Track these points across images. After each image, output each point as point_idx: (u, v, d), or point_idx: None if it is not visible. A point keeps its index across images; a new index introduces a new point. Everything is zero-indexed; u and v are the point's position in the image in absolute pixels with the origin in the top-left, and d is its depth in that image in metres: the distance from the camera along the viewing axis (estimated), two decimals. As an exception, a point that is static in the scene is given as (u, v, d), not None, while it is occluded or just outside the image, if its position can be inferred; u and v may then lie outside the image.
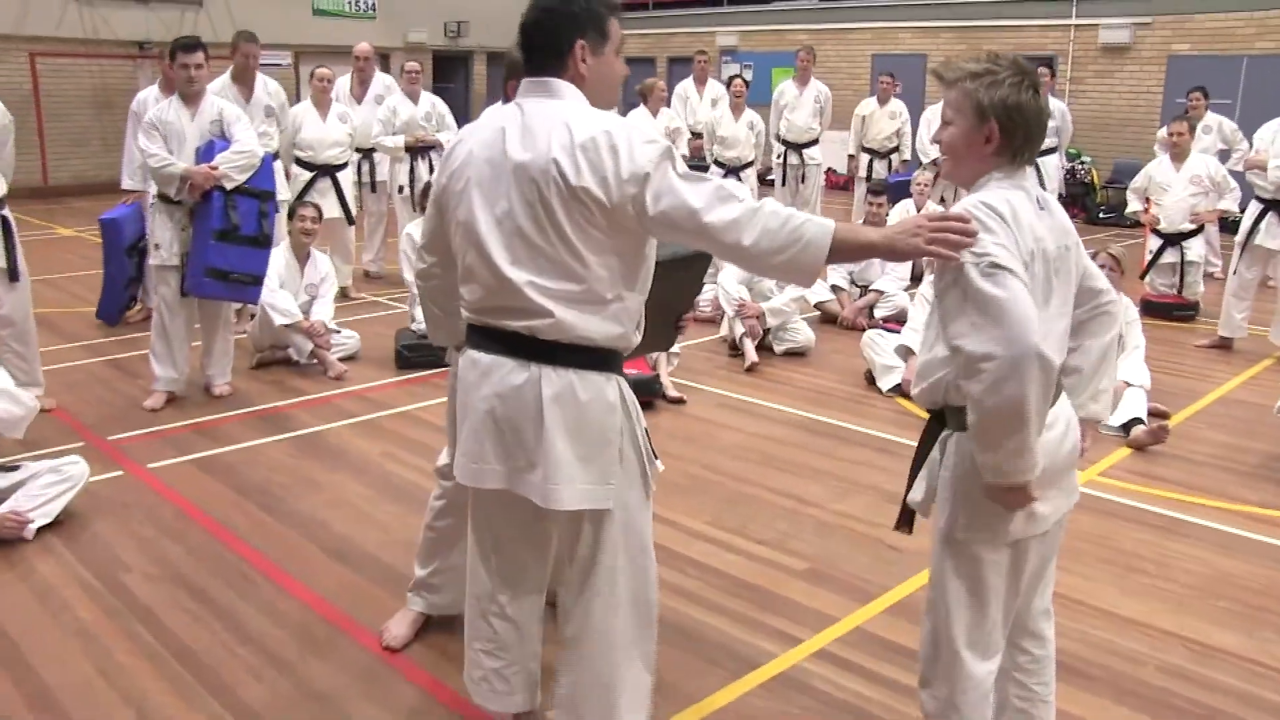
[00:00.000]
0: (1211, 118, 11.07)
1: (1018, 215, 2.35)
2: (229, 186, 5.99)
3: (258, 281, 6.30)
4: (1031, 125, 2.44)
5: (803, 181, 11.63)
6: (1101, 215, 15.32)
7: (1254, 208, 8.04)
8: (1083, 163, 16.01)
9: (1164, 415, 6.30)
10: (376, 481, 5.20)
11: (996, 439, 2.32)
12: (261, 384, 6.84)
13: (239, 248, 6.08)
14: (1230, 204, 8.82)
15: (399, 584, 4.08)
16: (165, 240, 6.12)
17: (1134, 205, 9.39)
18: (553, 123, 2.52)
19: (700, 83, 11.72)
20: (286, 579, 4.17)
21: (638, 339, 2.71)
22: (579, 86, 2.63)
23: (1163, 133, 10.01)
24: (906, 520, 2.82)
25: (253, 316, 7.36)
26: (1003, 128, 2.42)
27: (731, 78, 10.89)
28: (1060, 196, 14.15)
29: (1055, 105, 10.76)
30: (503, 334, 2.61)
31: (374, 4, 20.08)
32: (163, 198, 6.10)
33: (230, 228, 6.03)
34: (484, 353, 2.65)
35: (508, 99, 3.04)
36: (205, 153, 6.02)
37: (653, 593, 2.80)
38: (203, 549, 4.42)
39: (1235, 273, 8.18)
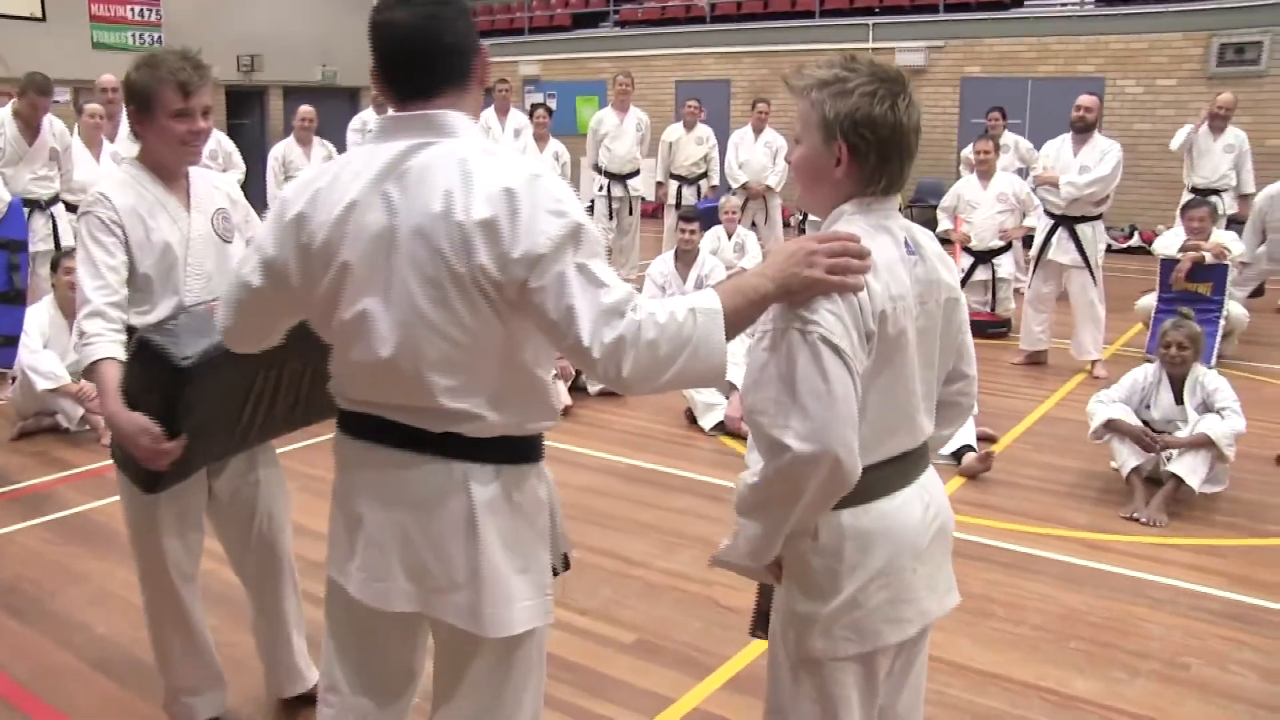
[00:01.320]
0: (1009, 137, 11.29)
1: (873, 267, 1.94)
2: (-34, 240, 5.30)
3: (10, 342, 5.66)
4: (888, 144, 1.99)
5: (629, 213, 11.34)
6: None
7: (1045, 223, 8.13)
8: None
9: (991, 439, 6.19)
10: (149, 569, 4.58)
11: (748, 515, 2.04)
12: (22, 457, 6.09)
13: (-17, 307, 5.39)
14: (1034, 220, 8.90)
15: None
16: (-107, 302, 5.39)
17: (944, 224, 9.42)
18: (450, 176, 1.95)
19: (502, 113, 11.30)
20: (33, 704, 3.54)
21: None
22: (473, 100, 2.11)
23: (968, 152, 10.11)
24: (763, 623, 2.33)
25: (14, 380, 6.58)
26: (852, 147, 1.99)
27: (534, 107, 10.54)
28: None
29: None
30: (411, 431, 2.08)
31: (160, 37, 19.00)
32: (-111, 254, 5.37)
33: (-29, 286, 5.34)
34: (383, 445, 2.11)
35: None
36: (-63, 202, 5.33)
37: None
38: (-69, 673, 3.75)
39: (1030, 287, 8.31)
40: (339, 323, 2.07)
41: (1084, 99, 7.94)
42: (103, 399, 2.77)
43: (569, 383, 7.09)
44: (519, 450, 2.13)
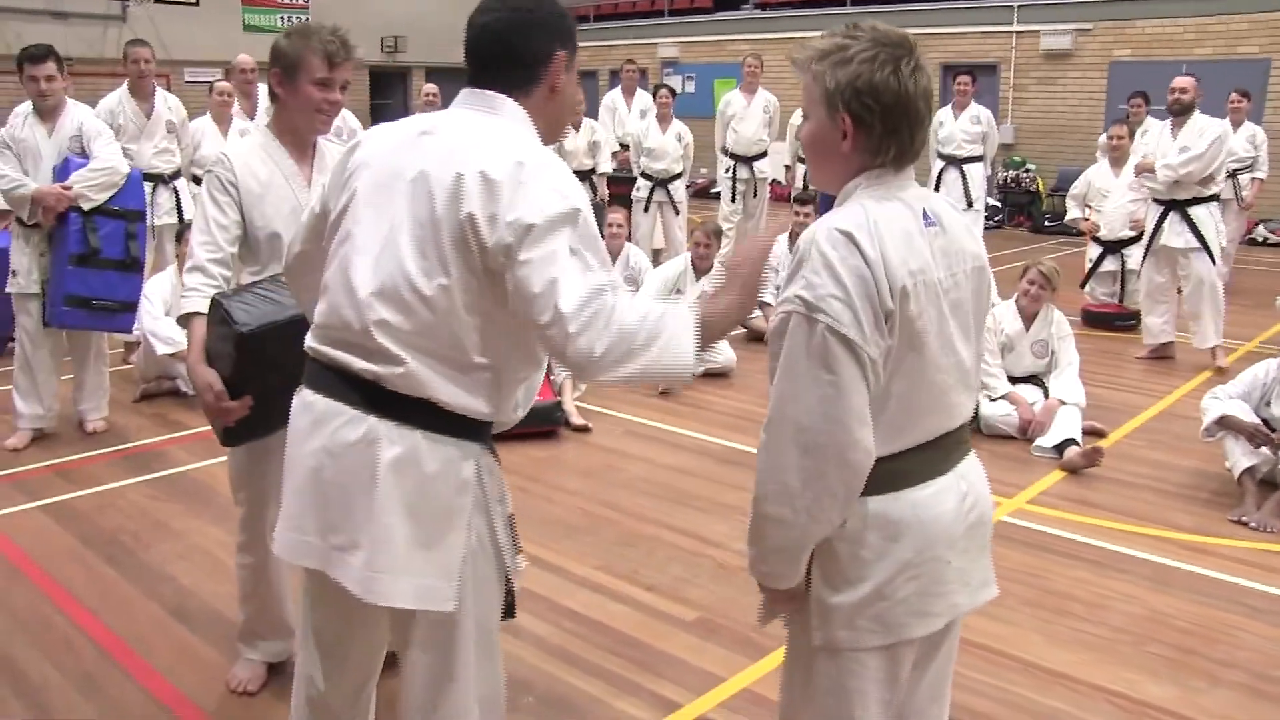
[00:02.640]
0: (1151, 123, 10.79)
1: (884, 242, 1.84)
2: (87, 207, 5.51)
3: (127, 308, 5.81)
4: (893, 112, 1.89)
5: (754, 195, 11.26)
6: (1048, 224, 15.07)
7: (1154, 210, 7.75)
8: (1027, 171, 15.77)
9: (1100, 434, 5.96)
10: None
11: (760, 531, 1.95)
12: (142, 418, 6.35)
13: (102, 273, 5.59)
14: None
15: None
16: (23, 267, 5.64)
17: (1073, 212, 9.11)
18: (473, 137, 2.09)
19: (629, 94, 11.31)
20: (116, 645, 3.70)
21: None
22: (546, 104, 2.21)
23: (1103, 138, 9.73)
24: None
25: (139, 345, 6.87)
26: (855, 118, 1.90)
27: (657, 87, 10.50)
28: (997, 206, 13.94)
29: (981, 112, 10.47)
30: (343, 374, 2.13)
31: (308, 19, 19.58)
32: (20, 221, 5.63)
33: (90, 251, 5.54)
34: (320, 394, 2.17)
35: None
36: (61, 171, 5.55)
37: (502, 699, 2.33)
38: (28, 612, 3.93)
39: (1143, 278, 7.99)
40: (330, 247, 2.21)
41: (1179, 80, 7.59)
42: (188, 350, 2.99)
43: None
44: (448, 422, 2.10)
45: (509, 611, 2.27)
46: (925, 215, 1.96)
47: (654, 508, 4.96)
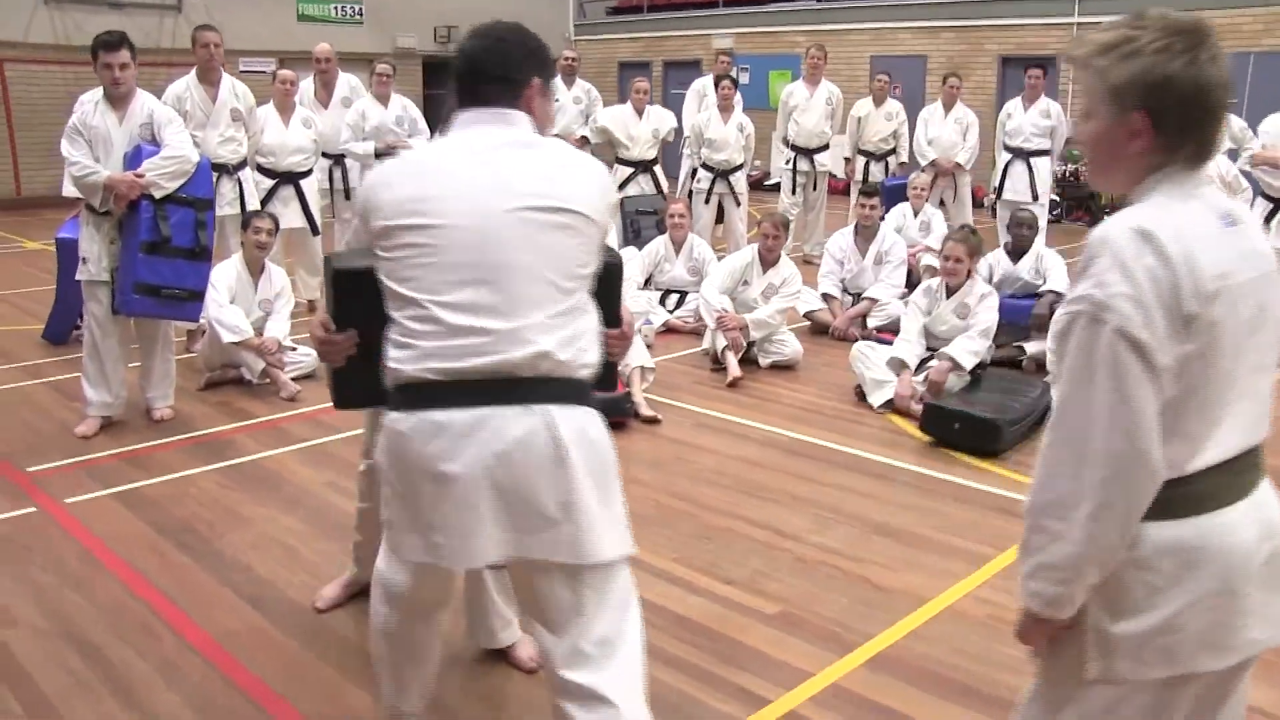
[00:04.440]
0: (1231, 120, 10.57)
1: (1186, 241, 1.73)
2: (158, 195, 5.52)
3: (195, 297, 5.82)
4: (1191, 106, 1.77)
5: (814, 188, 11.15)
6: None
7: (1261, 206, 7.52)
8: (1086, 166, 15.51)
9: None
10: (312, 515, 4.71)
11: (1031, 543, 1.84)
12: (207, 406, 6.36)
13: (172, 261, 5.61)
14: (1242, 205, 8.30)
15: (319, 637, 3.64)
16: (93, 254, 5.65)
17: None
18: (541, 152, 2.44)
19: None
20: (193, 631, 3.69)
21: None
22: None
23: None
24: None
25: (203, 334, 6.89)
26: (1152, 115, 1.78)
27: (719, 78, 10.40)
28: (1056, 201, 13.72)
29: (1051, 106, 10.29)
30: (482, 383, 2.29)
31: (361, 9, 19.65)
32: (90, 208, 5.64)
33: (160, 240, 5.55)
34: (453, 409, 2.29)
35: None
36: (133, 159, 5.55)
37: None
38: (106, 598, 3.93)
39: None
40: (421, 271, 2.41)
41: None
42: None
43: (740, 354, 6.99)
44: (585, 393, 2.40)
45: None
46: (1224, 215, 1.84)
47: (727, 500, 4.89)
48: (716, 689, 3.32)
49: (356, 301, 2.65)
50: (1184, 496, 1.80)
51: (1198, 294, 1.71)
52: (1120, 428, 1.70)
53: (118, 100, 5.65)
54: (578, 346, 2.35)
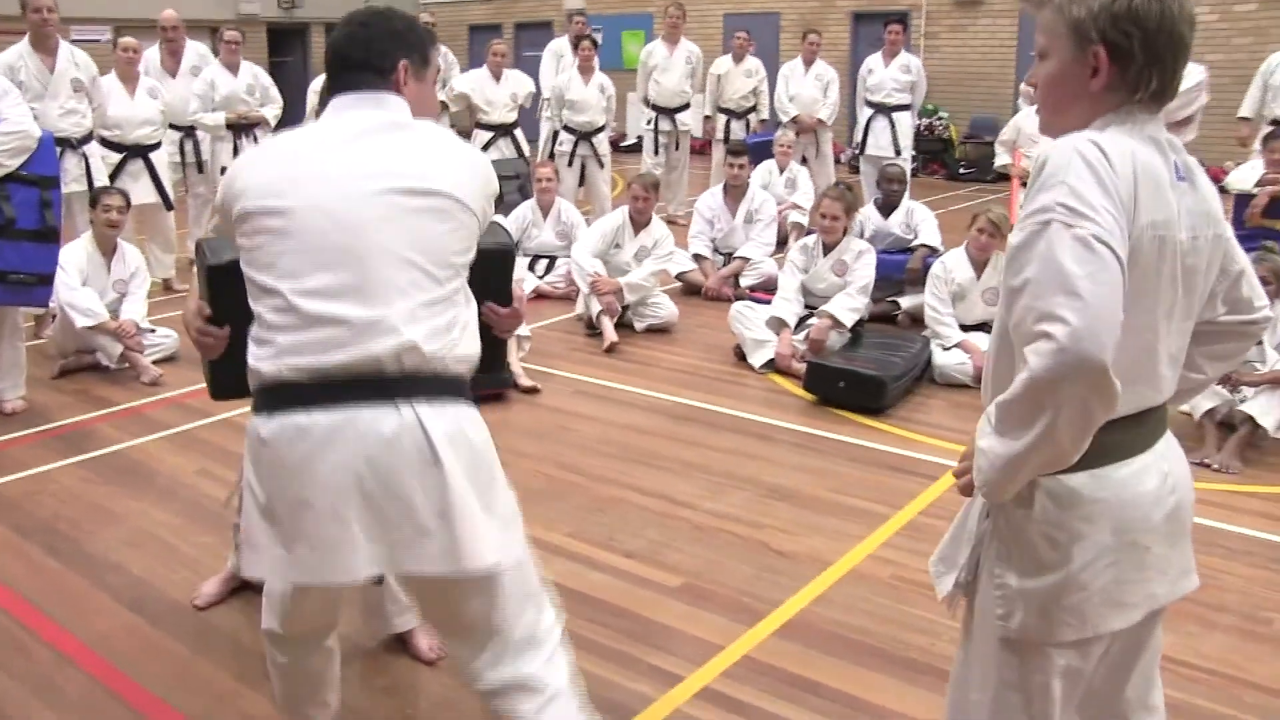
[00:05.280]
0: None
1: (1137, 175, 1.67)
2: (-1, 174, 5.17)
3: (45, 281, 5.47)
4: (1157, 41, 1.71)
5: (676, 148, 11.09)
6: (962, 171, 15.14)
7: None
8: (940, 119, 15.82)
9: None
10: (188, 507, 4.49)
11: (996, 434, 1.70)
12: (63, 395, 6.01)
13: (16, 244, 5.24)
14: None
15: (204, 638, 3.46)
16: (-71, 238, 5.26)
17: (1003, 158, 9.08)
18: (413, 134, 2.31)
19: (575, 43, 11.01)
20: (68, 641, 3.47)
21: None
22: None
23: (1026, 85, 9.74)
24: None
25: (54, 319, 6.51)
26: (1112, 48, 1.72)
27: (579, 39, 10.26)
28: (914, 156, 14.01)
29: (911, 61, 10.43)
30: (346, 382, 2.13)
31: (198, -28, 18.82)
32: (-78, 189, 5.24)
33: (4, 221, 5.20)
34: (319, 411, 2.12)
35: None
36: (-35, 135, 5.18)
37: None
38: (-34, 611, 3.68)
39: None
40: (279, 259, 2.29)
41: None
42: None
43: (615, 319, 6.91)
44: (460, 388, 2.29)
45: None
46: (1177, 167, 1.77)
47: (616, 469, 4.83)
48: (628, 669, 3.26)
49: (232, 295, 2.51)
50: (1093, 445, 1.70)
51: (1130, 235, 1.65)
52: (1096, 336, 1.54)
53: (-55, 72, 5.26)
54: (450, 339, 2.21)
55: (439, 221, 2.21)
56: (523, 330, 6.13)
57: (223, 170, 8.62)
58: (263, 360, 2.17)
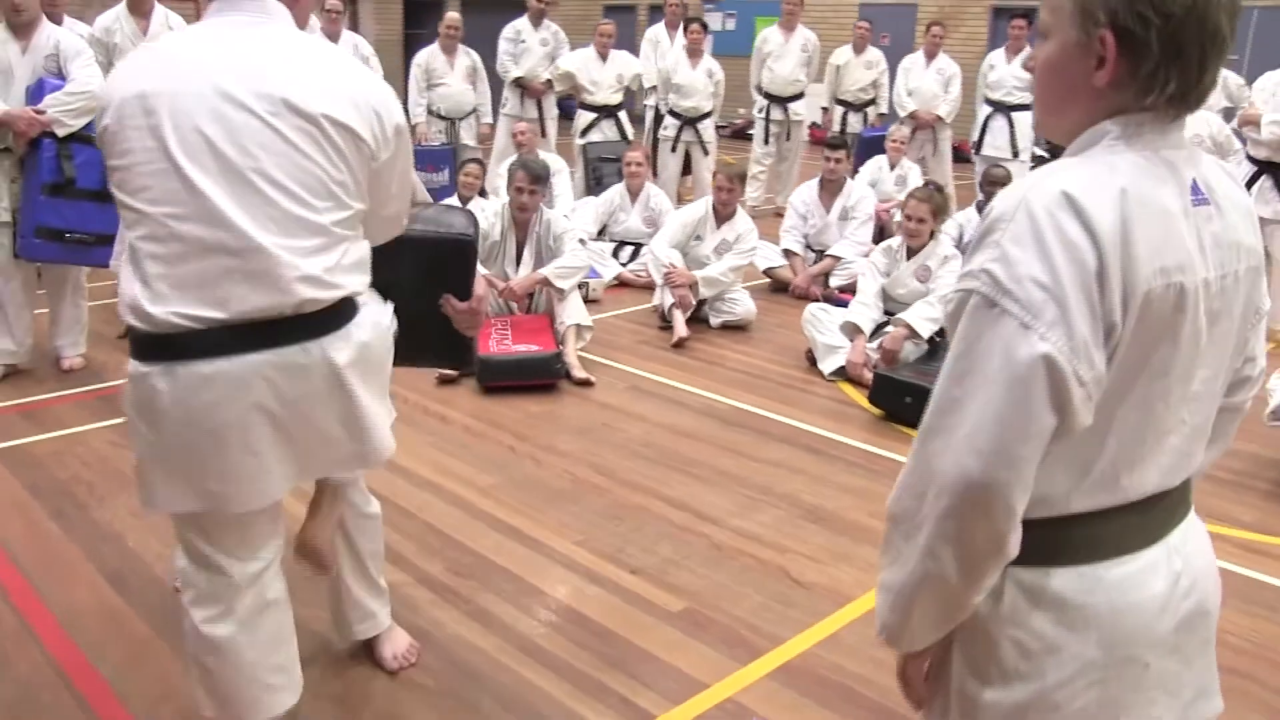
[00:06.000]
0: (1269, 76, 10.06)
1: (1129, 220, 1.29)
2: (61, 133, 5.15)
3: (104, 241, 5.45)
4: (1183, 28, 1.31)
5: (787, 138, 10.73)
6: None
7: (1245, 170, 7.10)
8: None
9: None
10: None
11: (882, 553, 1.47)
12: (123, 355, 5.97)
13: (76, 203, 5.24)
14: (1234, 166, 7.89)
15: (171, 622, 3.28)
16: (-9, 193, 5.28)
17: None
18: (295, 50, 2.20)
19: (673, 28, 10.73)
20: (39, 613, 3.37)
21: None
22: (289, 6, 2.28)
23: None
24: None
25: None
26: (1124, 38, 1.33)
27: (688, 21, 9.94)
28: (1044, 156, 13.33)
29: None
30: (245, 326, 2.12)
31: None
32: (-11, 145, 5.27)
33: (64, 181, 5.20)
34: (222, 359, 2.11)
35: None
36: (35, 93, 5.18)
37: None
38: (-47, 569, 3.62)
39: None
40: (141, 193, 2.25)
41: None
42: None
43: (688, 313, 6.62)
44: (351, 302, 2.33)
45: None
46: (1195, 188, 1.39)
47: (649, 474, 4.56)
48: (596, 699, 3.00)
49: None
50: (1069, 539, 1.41)
51: (1129, 296, 1.29)
52: (1003, 448, 1.28)
53: (20, 29, 5.26)
54: (341, 268, 2.20)
55: (318, 147, 2.12)
56: (584, 320, 5.91)
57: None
58: (148, 301, 2.08)
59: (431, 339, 2.78)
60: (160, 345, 2.11)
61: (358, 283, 2.28)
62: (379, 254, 2.41)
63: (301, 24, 2.37)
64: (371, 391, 2.31)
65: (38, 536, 3.87)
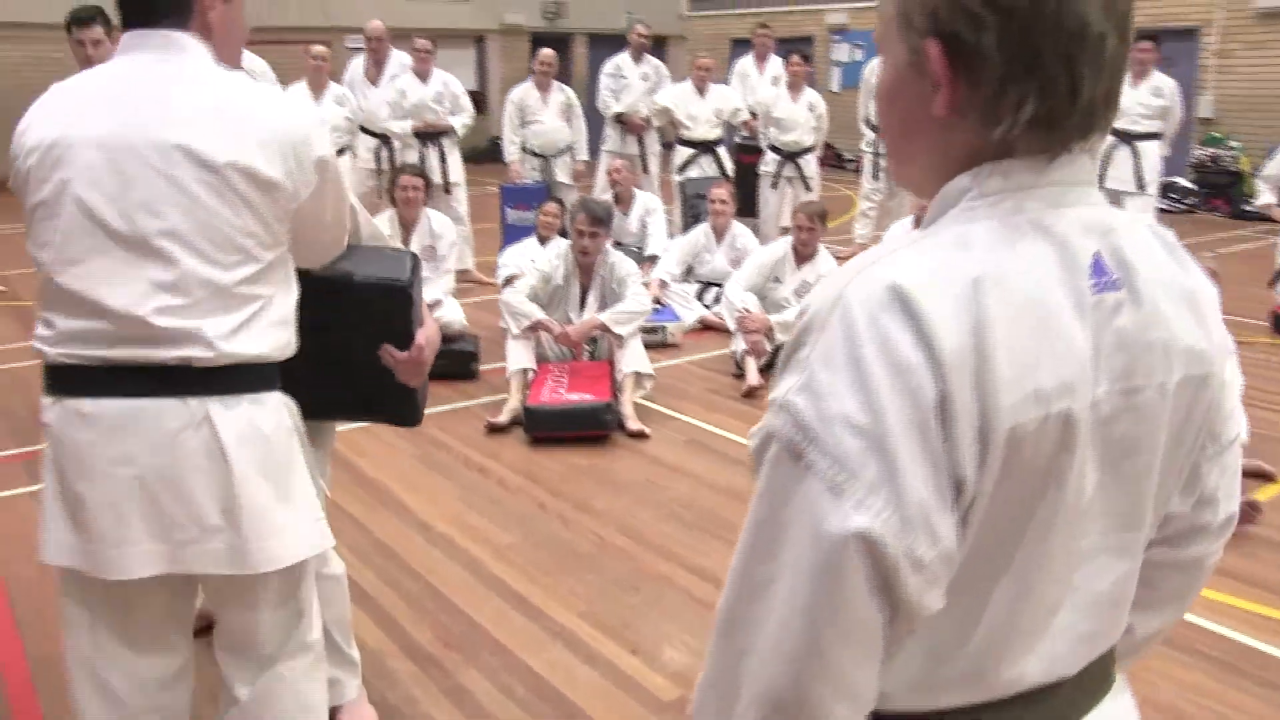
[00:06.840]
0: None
1: (986, 326, 0.90)
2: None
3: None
4: (1027, 28, 0.94)
5: (895, 174, 10.29)
6: (1246, 209, 13.46)
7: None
8: (1231, 148, 14.18)
9: (1267, 476, 4.84)
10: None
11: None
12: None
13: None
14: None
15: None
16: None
17: (1264, 197, 7.88)
18: (201, 92, 2.01)
19: (761, 60, 10.45)
20: (15, 665, 3.23)
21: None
22: (206, 40, 2.07)
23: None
24: None
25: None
26: (952, 45, 0.97)
27: (789, 52, 9.61)
28: (1191, 189, 12.54)
29: (1164, 83, 8.98)
30: (132, 370, 1.98)
31: (470, -13, 19.31)
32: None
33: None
34: (104, 397, 1.98)
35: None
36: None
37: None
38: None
39: None
40: (46, 234, 2.12)
41: None
42: None
43: (762, 360, 6.26)
44: (261, 377, 2.12)
45: None
46: (1097, 266, 0.99)
47: (681, 539, 4.21)
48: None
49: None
50: None
51: (989, 436, 0.91)
52: (787, 653, 0.92)
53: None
54: (247, 331, 2.01)
55: (220, 199, 1.96)
56: (645, 368, 5.62)
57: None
58: (47, 344, 2.02)
59: (369, 392, 2.52)
60: (51, 378, 2.05)
61: (267, 345, 2.06)
62: (305, 298, 2.19)
63: (229, 59, 2.16)
64: (268, 481, 2.05)
65: (44, 583, 3.74)
